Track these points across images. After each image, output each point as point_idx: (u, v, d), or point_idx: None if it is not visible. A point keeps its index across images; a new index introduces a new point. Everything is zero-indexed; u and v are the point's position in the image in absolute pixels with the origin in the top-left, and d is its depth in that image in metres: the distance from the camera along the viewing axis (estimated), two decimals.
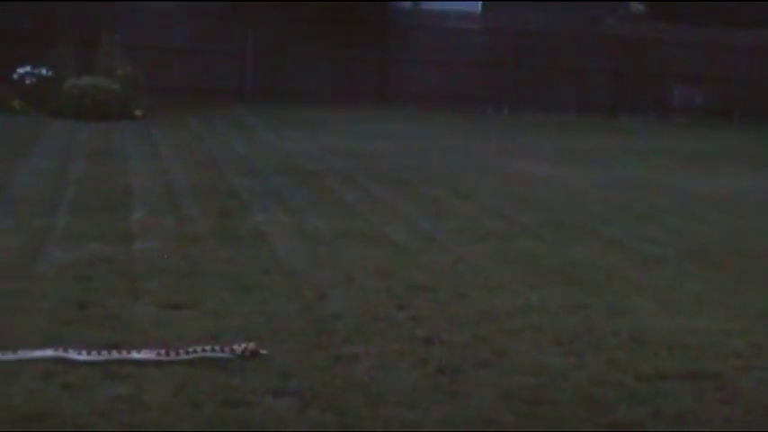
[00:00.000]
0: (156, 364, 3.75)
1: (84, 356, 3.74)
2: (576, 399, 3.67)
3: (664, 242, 6.98)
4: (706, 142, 15.62)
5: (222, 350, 3.86)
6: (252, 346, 3.90)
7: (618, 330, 4.56)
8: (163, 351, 3.83)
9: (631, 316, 4.87)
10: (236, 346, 3.88)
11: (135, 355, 3.80)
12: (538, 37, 18.82)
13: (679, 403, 3.68)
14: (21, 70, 13.88)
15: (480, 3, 19.64)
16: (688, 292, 5.43)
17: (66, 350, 3.77)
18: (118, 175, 8.74)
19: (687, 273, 5.96)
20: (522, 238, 6.85)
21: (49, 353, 3.76)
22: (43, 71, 13.85)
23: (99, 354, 3.77)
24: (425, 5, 18.86)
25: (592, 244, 6.75)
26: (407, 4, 19.07)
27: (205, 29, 17.38)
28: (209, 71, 17.31)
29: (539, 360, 4.09)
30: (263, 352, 3.90)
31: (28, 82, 13.78)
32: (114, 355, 3.79)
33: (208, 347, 3.88)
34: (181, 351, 3.83)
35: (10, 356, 3.72)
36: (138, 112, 13.69)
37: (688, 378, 3.95)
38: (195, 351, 3.84)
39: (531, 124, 16.77)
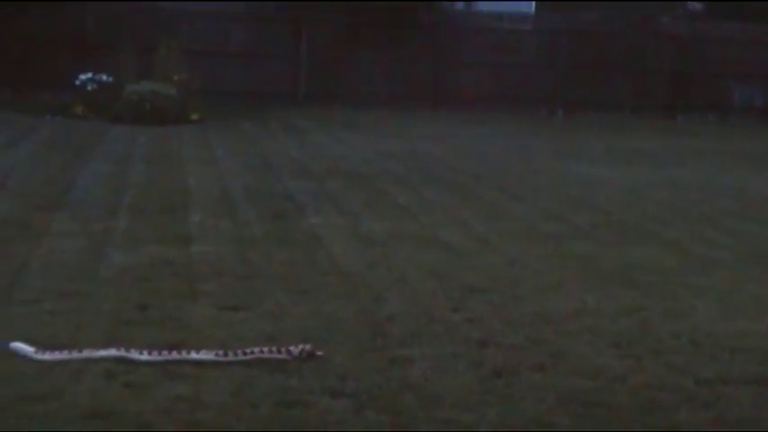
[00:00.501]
0: (215, 364, 3.80)
1: (145, 356, 3.82)
2: (635, 402, 3.63)
3: (723, 245, 6.86)
4: (766, 143, 15.27)
5: (279, 351, 3.90)
6: (308, 347, 3.94)
7: (677, 333, 4.50)
8: (221, 352, 3.88)
9: (690, 319, 4.79)
10: (293, 348, 3.92)
11: (194, 355, 3.86)
12: (592, 37, 18.63)
13: (741, 409, 3.61)
14: (83, 77, 14.20)
15: (534, 3, 19.50)
16: (749, 295, 5.32)
17: (127, 350, 3.85)
18: (175, 178, 8.89)
19: (747, 275, 5.85)
20: (578, 239, 6.78)
21: (111, 352, 3.84)
22: (104, 77, 14.16)
23: (159, 354, 3.84)
24: (479, 5, 18.79)
25: (649, 246, 6.66)
26: (460, 5, 19.03)
27: (260, 33, 17.57)
28: (263, 75, 17.50)
29: (596, 363, 4.05)
30: (319, 353, 3.94)
31: (89, 88, 14.10)
32: (174, 355, 3.85)
33: (265, 349, 3.92)
34: (239, 352, 3.88)
35: (75, 355, 3.81)
36: (194, 117, 13.90)
37: (750, 383, 3.87)
38: (253, 352, 3.89)
39: (585, 125, 16.60)
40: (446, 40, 18.25)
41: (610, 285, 5.42)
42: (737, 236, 7.25)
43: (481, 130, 15.01)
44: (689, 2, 19.91)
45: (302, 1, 17.33)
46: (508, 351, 4.13)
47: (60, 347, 3.89)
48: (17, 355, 3.83)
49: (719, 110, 18.90)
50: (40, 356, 3.81)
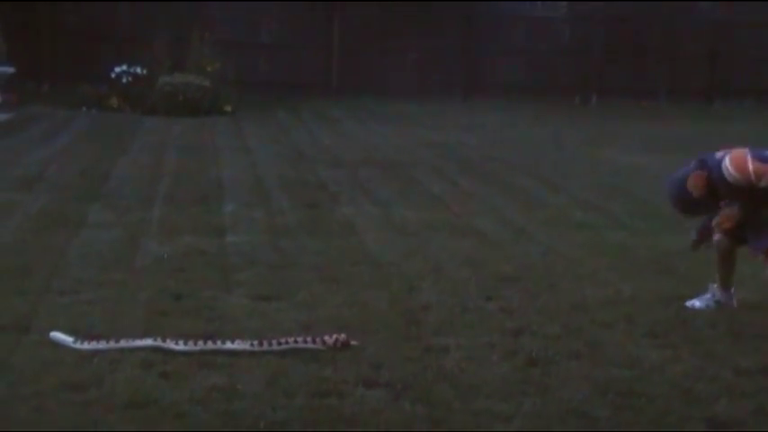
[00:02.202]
0: (250, 354, 3.82)
1: (181, 346, 3.84)
2: (673, 393, 3.58)
3: None
4: None
5: (314, 341, 3.91)
6: (343, 337, 3.93)
7: (715, 322, 4.44)
8: (256, 342, 3.90)
9: (729, 308, 4.72)
10: (327, 338, 3.92)
11: (229, 345, 3.88)
12: (627, 22, 18.40)
13: None
14: (117, 69, 14.32)
15: None
16: None
17: (164, 340, 3.88)
18: (209, 168, 8.94)
19: None
20: (614, 228, 6.72)
21: (148, 342, 3.87)
22: (138, 69, 14.26)
23: (195, 344, 3.86)
24: None
25: (686, 234, 6.54)
26: None
27: (292, 23, 17.59)
28: (296, 65, 17.52)
29: (633, 352, 4.01)
30: (353, 343, 3.94)
31: (124, 80, 14.21)
32: (209, 345, 3.87)
33: (300, 338, 3.93)
34: (274, 342, 3.89)
35: (113, 345, 3.85)
36: (227, 107, 13.96)
37: None
38: (287, 342, 3.90)
39: (620, 112, 16.42)
40: (479, 27, 18.13)
41: (646, 274, 5.36)
42: None
43: (514, 118, 14.91)
44: None
45: None
46: (544, 340, 4.10)
47: (98, 337, 3.93)
48: (57, 344, 3.88)
49: (757, 95, 18.59)
50: (78, 346, 3.85)
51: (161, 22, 15.59)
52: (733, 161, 4.34)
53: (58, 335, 3.93)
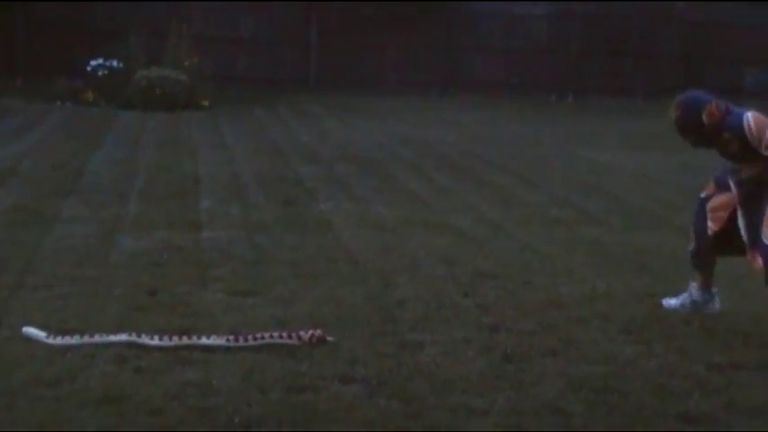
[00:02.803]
0: (225, 349, 3.81)
1: (155, 341, 3.82)
2: (646, 388, 3.61)
3: None
4: None
5: (290, 337, 3.90)
6: (319, 332, 3.93)
7: (688, 319, 4.48)
8: (231, 337, 3.89)
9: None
10: (303, 333, 3.92)
11: (204, 340, 3.86)
12: (604, 21, 18.51)
13: (754, 395, 3.59)
14: (93, 63, 14.21)
15: None
16: (762, 281, 5.28)
17: (138, 335, 3.86)
18: (185, 164, 8.89)
19: None
20: (590, 225, 6.76)
21: (122, 338, 3.85)
22: (114, 63, 14.16)
23: (170, 339, 3.84)
24: None
25: (662, 231, 6.62)
26: None
27: (270, 18, 17.53)
28: (274, 61, 17.47)
29: (607, 348, 4.04)
30: (329, 339, 3.94)
31: (100, 74, 14.11)
32: (184, 340, 3.86)
33: (276, 334, 3.92)
34: (249, 337, 3.88)
35: (87, 340, 3.82)
36: (204, 102, 13.89)
37: (763, 369, 3.86)
38: (263, 337, 3.89)
39: (597, 110, 16.52)
40: (457, 25, 18.16)
41: (621, 271, 5.40)
42: None
43: (492, 114, 14.96)
44: None
45: None
46: (519, 336, 4.12)
47: (72, 332, 3.90)
48: (29, 339, 3.85)
49: (731, 94, 18.72)
50: (51, 341, 3.82)
51: (138, 15, 15.48)
52: (755, 118, 4.43)
53: (30, 330, 3.90)
